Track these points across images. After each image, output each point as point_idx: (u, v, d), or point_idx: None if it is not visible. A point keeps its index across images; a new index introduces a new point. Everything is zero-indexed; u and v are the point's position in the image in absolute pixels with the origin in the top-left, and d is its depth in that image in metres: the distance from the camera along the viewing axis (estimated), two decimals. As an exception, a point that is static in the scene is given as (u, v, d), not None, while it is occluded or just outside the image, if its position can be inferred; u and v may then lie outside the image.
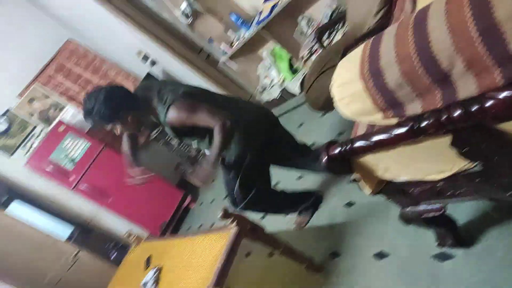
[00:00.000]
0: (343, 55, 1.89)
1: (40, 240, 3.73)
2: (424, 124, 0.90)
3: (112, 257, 4.91)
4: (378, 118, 1.02)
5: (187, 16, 3.53)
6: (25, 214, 3.91)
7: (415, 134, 0.93)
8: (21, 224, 3.66)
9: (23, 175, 4.16)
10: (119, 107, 1.81)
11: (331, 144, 1.16)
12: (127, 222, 4.37)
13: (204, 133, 1.91)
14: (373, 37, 1.04)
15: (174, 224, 4.10)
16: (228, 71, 3.91)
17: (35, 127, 4.34)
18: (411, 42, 0.86)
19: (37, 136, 4.17)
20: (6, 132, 4.19)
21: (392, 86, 0.93)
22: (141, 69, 5.09)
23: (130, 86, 4.94)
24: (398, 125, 0.96)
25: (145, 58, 4.89)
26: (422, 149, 1.02)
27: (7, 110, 4.26)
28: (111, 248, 5.39)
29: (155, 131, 4.55)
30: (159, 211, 4.22)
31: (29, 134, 4.28)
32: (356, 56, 1.06)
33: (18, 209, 4.32)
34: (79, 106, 4.60)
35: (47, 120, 4.37)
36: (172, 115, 1.80)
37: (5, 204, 3.92)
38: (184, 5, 3.46)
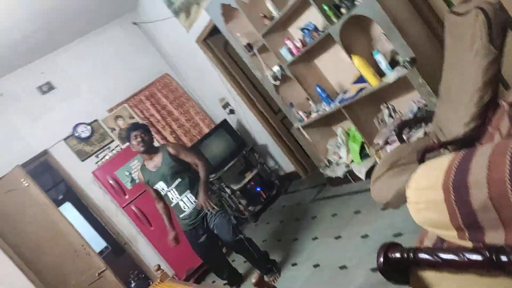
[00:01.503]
0: (422, 156, 1.81)
1: (76, 247, 3.82)
2: (504, 259, 0.79)
3: (131, 286, 4.89)
4: (451, 235, 0.92)
5: (276, 78, 3.70)
6: (72, 217, 4.09)
7: (492, 267, 0.82)
8: (65, 224, 3.79)
9: (86, 180, 4.43)
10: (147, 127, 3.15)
11: (392, 245, 1.06)
12: (158, 256, 4.38)
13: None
14: (464, 150, 0.97)
15: (200, 273, 4.00)
16: (299, 137, 3.95)
17: (112, 141, 4.68)
18: (507, 169, 0.79)
19: (111, 150, 4.48)
20: (87, 139, 4.57)
21: (475, 207, 0.84)
22: (219, 115, 5.36)
23: (205, 128, 5.21)
24: (474, 250, 0.85)
25: (226, 105, 5.16)
26: (496, 285, 0.89)
27: (95, 120, 4.68)
28: (134, 277, 5.38)
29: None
30: (190, 256, 4.16)
31: (105, 146, 4.62)
32: (442, 163, 0.99)
33: (68, 211, 4.59)
34: (154, 133, 4.92)
35: (123, 139, 4.70)
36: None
37: (59, 203, 4.16)
38: (276, 68, 3.63)
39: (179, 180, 2.97)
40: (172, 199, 3.02)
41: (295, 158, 4.94)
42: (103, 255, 3.95)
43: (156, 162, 3.00)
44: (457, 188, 0.89)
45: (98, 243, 6.20)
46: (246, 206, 4.81)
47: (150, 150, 3.00)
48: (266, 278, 2.97)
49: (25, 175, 3.74)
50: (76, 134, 4.52)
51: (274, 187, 5.00)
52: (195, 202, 2.97)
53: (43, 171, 5.29)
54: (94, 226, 6.59)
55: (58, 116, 4.50)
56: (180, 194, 2.98)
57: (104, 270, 3.82)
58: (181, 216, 3.05)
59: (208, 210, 2.94)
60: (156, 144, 3.33)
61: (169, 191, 3.00)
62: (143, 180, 3.08)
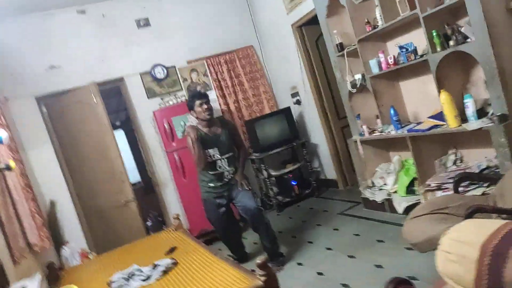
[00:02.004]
0: (471, 213, 1.70)
1: (115, 172, 4.07)
2: None
3: (147, 223, 5.16)
4: (470, 294, 0.87)
5: (354, 86, 3.61)
6: (121, 144, 4.34)
7: None
8: (114, 149, 4.04)
9: (145, 117, 4.68)
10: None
11: (404, 282, 1.03)
12: (180, 207, 4.56)
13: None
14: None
15: (210, 237, 4.11)
16: (353, 149, 3.85)
17: (180, 90, 4.88)
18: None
19: (176, 98, 4.67)
20: (160, 80, 4.81)
21: (507, 279, 0.79)
22: (285, 101, 5.36)
23: (266, 109, 5.24)
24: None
25: (295, 95, 5.15)
26: None
27: (173, 66, 4.89)
28: (152, 217, 5.68)
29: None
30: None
31: (172, 92, 4.83)
32: (490, 225, 0.94)
33: (119, 137, 4.88)
34: (219, 97, 5.05)
35: (190, 92, 4.87)
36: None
37: (115, 128, 4.44)
38: (358, 76, 3.54)
39: (231, 153, 3.24)
40: (220, 167, 3.20)
41: (340, 167, 4.84)
42: (134, 188, 4.16)
43: (214, 130, 3.20)
44: (496, 254, 0.84)
45: (134, 175, 6.58)
46: (275, 194, 4.82)
47: (211, 120, 3.20)
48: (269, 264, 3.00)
49: (97, 93, 4.02)
50: (153, 73, 4.76)
51: (309, 187, 4.96)
52: (231, 174, 3.23)
53: (112, 95, 5.65)
54: (136, 159, 7.01)
55: (143, 51, 4.75)
56: (229, 166, 3.22)
57: (130, 201, 4.05)
58: (218, 184, 3.21)
59: (242, 186, 3.21)
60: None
61: (220, 160, 3.19)
62: (196, 136, 3.05)
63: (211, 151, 3.16)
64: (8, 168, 1.78)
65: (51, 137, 4.32)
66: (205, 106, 3.12)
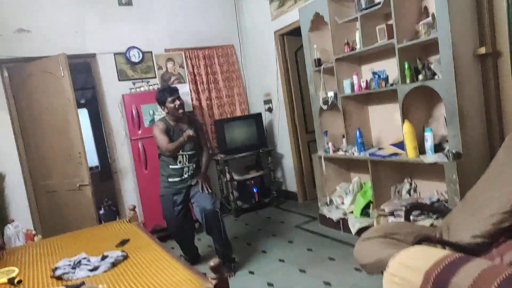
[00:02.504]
0: (419, 242, 1.80)
1: (73, 152, 3.90)
2: None
3: (100, 211, 5.00)
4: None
5: (326, 102, 3.70)
6: (83, 124, 4.15)
7: None
8: (75, 127, 3.87)
9: (113, 99, 4.54)
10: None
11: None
12: (137, 199, 4.46)
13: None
14: (462, 254, 0.98)
15: (163, 235, 4.04)
16: (316, 165, 3.95)
17: (153, 78, 4.78)
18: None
19: (148, 85, 4.57)
20: (134, 64, 4.69)
21: (447, 309, 0.85)
22: (257, 107, 5.40)
23: (238, 111, 5.26)
24: None
25: (267, 102, 5.20)
26: None
27: (150, 52, 4.78)
28: (106, 205, 5.52)
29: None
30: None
31: (145, 78, 4.72)
32: (435, 254, 1.01)
33: (82, 116, 4.69)
34: (192, 91, 5.00)
35: (164, 81, 4.79)
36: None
37: (79, 106, 4.24)
38: (331, 94, 3.64)
39: (194, 151, 3.24)
40: (180, 162, 3.20)
41: (302, 181, 4.95)
42: (91, 172, 4.01)
43: (181, 125, 3.21)
44: (438, 282, 0.90)
45: (92, 159, 6.35)
46: (235, 199, 4.84)
47: (184, 116, 3.22)
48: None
49: (66, 66, 3.83)
50: (128, 55, 4.63)
51: (269, 196, 5.02)
52: (191, 172, 3.23)
53: (81, 70, 5.44)
54: (96, 142, 6.78)
55: (121, 31, 4.61)
56: (189, 162, 3.22)
57: (85, 185, 3.90)
58: (177, 179, 3.21)
59: (202, 188, 3.17)
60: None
61: (182, 155, 3.19)
62: (164, 128, 3.15)
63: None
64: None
65: (9, 104, 4.09)
66: (177, 102, 3.12)
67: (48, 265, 2.17)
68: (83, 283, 1.64)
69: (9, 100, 4.10)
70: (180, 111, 3.14)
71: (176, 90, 3.19)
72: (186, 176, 3.22)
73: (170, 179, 3.22)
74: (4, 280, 1.98)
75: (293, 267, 3.09)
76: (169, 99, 3.12)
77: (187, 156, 3.21)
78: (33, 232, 3.74)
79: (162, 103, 3.17)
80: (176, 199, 3.22)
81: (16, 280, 1.95)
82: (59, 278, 1.96)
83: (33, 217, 4.15)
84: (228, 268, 3.12)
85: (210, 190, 3.20)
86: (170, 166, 3.21)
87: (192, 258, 3.45)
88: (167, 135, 3.14)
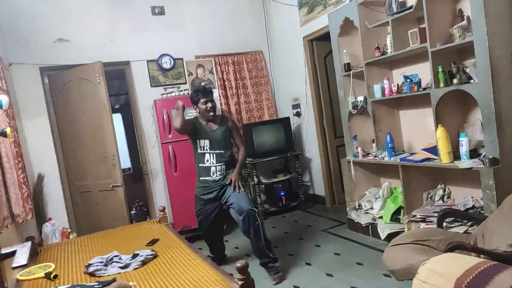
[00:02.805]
0: (451, 249, 1.74)
1: (107, 155, 4.05)
2: None
3: (131, 212, 5.15)
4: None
5: (355, 107, 3.66)
6: (117, 128, 4.30)
7: None
8: (109, 131, 4.02)
9: (145, 104, 4.69)
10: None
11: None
12: (167, 200, 4.56)
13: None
14: (496, 263, 0.95)
15: (191, 235, 4.11)
16: (345, 169, 3.90)
17: (184, 83, 4.90)
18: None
19: (179, 90, 4.68)
20: (165, 70, 4.83)
21: (479, 315, 0.82)
22: (285, 111, 5.41)
23: (266, 116, 5.28)
24: None
25: (296, 106, 5.20)
26: None
27: (181, 58, 4.92)
28: (137, 205, 5.68)
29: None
30: (193, 216, 4.30)
31: (176, 84, 4.85)
32: (467, 262, 0.98)
33: (116, 121, 4.85)
34: (221, 96, 5.07)
35: (194, 87, 4.89)
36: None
37: (113, 111, 4.40)
38: (360, 98, 3.60)
39: (222, 151, 3.19)
40: (207, 161, 3.19)
41: (330, 185, 4.90)
42: (123, 174, 4.14)
43: (211, 125, 3.21)
44: (470, 290, 0.87)
45: (124, 161, 6.55)
46: (262, 202, 4.85)
47: (215, 117, 3.21)
48: (270, 275, 3.01)
49: (102, 73, 4.01)
50: (160, 62, 4.78)
51: (297, 199, 4.99)
52: (223, 173, 3.17)
53: (116, 77, 5.65)
54: (129, 146, 6.99)
55: (153, 39, 4.77)
56: (217, 162, 3.18)
57: (118, 186, 4.04)
58: (207, 178, 3.21)
59: (234, 187, 3.11)
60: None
61: (209, 153, 3.18)
62: (190, 120, 3.20)
63: (202, 141, 3.19)
64: (4, 134, 1.78)
65: (48, 110, 4.31)
66: (209, 105, 3.14)
67: (82, 262, 2.25)
68: (114, 280, 1.69)
69: (48, 105, 4.32)
70: (211, 113, 3.15)
71: (210, 92, 3.22)
72: (215, 176, 3.18)
73: (201, 178, 3.24)
74: (41, 274, 2.08)
75: (320, 271, 3.06)
76: (202, 100, 3.14)
77: (214, 155, 3.18)
78: (69, 230, 3.90)
79: (195, 103, 3.20)
80: (207, 198, 3.22)
81: (52, 275, 2.04)
82: (92, 274, 2.03)
83: (68, 216, 4.33)
84: (274, 269, 3.02)
85: (243, 189, 3.13)
86: (200, 164, 3.23)
87: (218, 258, 3.48)
88: (189, 124, 3.16)
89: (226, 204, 3.21)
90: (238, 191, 3.11)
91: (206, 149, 3.18)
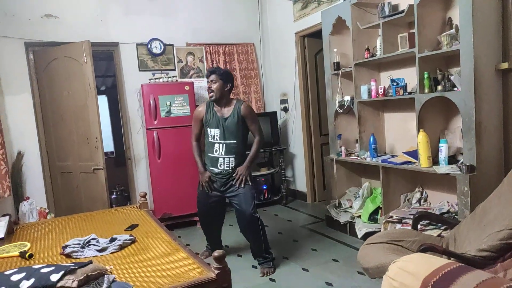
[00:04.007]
0: (423, 250, 1.80)
1: (90, 137, 3.98)
2: None
3: (111, 196, 5.11)
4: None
5: (342, 106, 3.71)
6: (102, 109, 4.23)
7: None
8: (94, 113, 3.95)
9: (132, 88, 4.63)
10: (230, 77, 3.02)
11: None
12: (148, 186, 4.54)
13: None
14: (462, 265, 0.99)
15: (173, 223, 4.12)
16: (328, 167, 3.96)
17: (173, 70, 4.85)
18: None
19: (167, 76, 4.64)
20: (155, 55, 4.77)
21: (442, 314, 0.86)
22: (272, 106, 5.43)
23: (254, 108, 5.29)
24: None
25: (284, 101, 5.22)
26: None
27: (171, 44, 4.86)
28: (118, 190, 5.64)
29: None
30: (175, 204, 4.31)
31: (165, 70, 4.80)
32: (436, 262, 1.02)
33: (101, 103, 4.78)
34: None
35: (183, 74, 4.86)
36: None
37: (99, 92, 4.32)
38: (347, 98, 3.65)
39: (234, 141, 2.96)
40: (216, 151, 2.98)
41: (312, 182, 4.97)
42: (105, 157, 4.10)
43: (223, 112, 2.99)
44: (436, 290, 0.91)
45: (107, 145, 6.48)
46: (245, 195, 4.87)
47: (219, 100, 2.98)
48: (260, 268, 3.04)
49: (89, 52, 3.92)
50: (149, 46, 4.71)
51: (278, 194, 5.05)
52: (231, 166, 2.97)
53: (103, 58, 5.55)
54: (113, 129, 6.90)
55: (145, 22, 4.69)
56: (226, 154, 2.97)
57: (100, 169, 3.99)
58: (211, 168, 3.03)
59: (241, 181, 2.95)
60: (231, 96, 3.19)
61: (219, 143, 2.97)
62: (200, 116, 3.05)
63: (212, 131, 2.99)
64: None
65: (32, 86, 4.21)
66: (209, 85, 2.96)
67: (59, 243, 2.24)
68: (91, 262, 1.69)
69: (32, 82, 4.22)
70: (210, 94, 2.96)
71: (212, 72, 2.97)
72: (222, 168, 2.98)
73: (211, 168, 3.05)
74: (16, 253, 2.06)
75: (296, 265, 3.12)
76: (208, 79, 3.00)
77: (223, 145, 2.95)
78: (46, 210, 3.85)
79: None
80: (213, 189, 3.05)
81: (27, 254, 2.02)
82: (68, 256, 2.02)
83: (47, 196, 4.26)
84: (267, 264, 3.04)
85: (249, 184, 2.96)
86: (208, 154, 3.05)
87: (214, 249, 3.32)
88: (199, 123, 3.07)
89: (229, 199, 3.09)
90: (243, 186, 2.95)
91: (216, 139, 2.98)
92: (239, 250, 3.51)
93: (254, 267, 3.16)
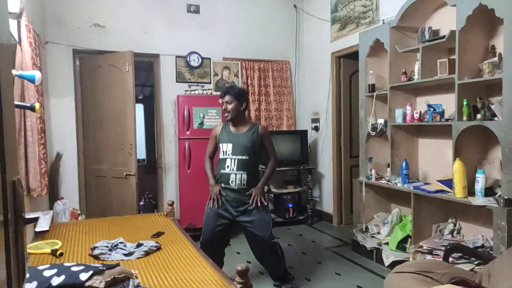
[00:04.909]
0: (454, 283, 1.72)
1: (125, 143, 4.12)
2: None
3: (140, 202, 5.22)
4: None
5: (374, 129, 3.66)
6: (138, 117, 4.37)
7: None
8: (131, 120, 4.10)
9: (168, 98, 4.78)
10: (244, 96, 2.97)
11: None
12: (176, 196, 4.62)
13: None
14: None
15: (197, 234, 4.11)
16: (356, 190, 3.89)
17: (208, 83, 4.97)
18: None
19: (203, 89, 4.75)
20: (192, 68, 4.92)
21: None
22: (303, 124, 5.42)
23: (284, 126, 5.30)
24: None
25: (315, 121, 5.21)
26: None
27: (209, 58, 5.00)
28: (146, 197, 5.75)
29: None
30: (201, 216, 4.31)
31: (200, 82, 4.92)
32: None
33: (138, 110, 4.96)
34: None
35: (217, 88, 4.97)
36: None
37: (136, 101, 4.48)
38: (381, 121, 3.60)
39: (246, 157, 2.84)
40: (227, 167, 2.86)
41: (339, 204, 4.88)
42: (138, 164, 4.21)
43: (239, 129, 2.92)
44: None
45: (140, 152, 6.66)
46: (270, 211, 4.83)
47: (234, 120, 2.91)
48: (283, 287, 3.01)
49: (131, 62, 4.10)
50: (188, 59, 4.87)
51: (304, 213, 4.98)
52: (243, 183, 2.84)
53: (143, 68, 5.77)
54: (147, 138, 7.10)
55: (185, 36, 4.86)
56: (237, 169, 2.84)
57: (132, 175, 4.11)
58: (223, 186, 2.89)
59: (255, 201, 2.82)
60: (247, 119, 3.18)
61: (230, 158, 2.86)
62: (215, 134, 3.01)
63: (225, 145, 2.89)
64: (33, 109, 1.83)
65: (75, 91, 4.44)
66: (224, 107, 2.90)
67: (88, 244, 2.31)
68: (118, 265, 1.73)
69: (76, 87, 4.45)
70: (225, 115, 2.91)
71: (226, 92, 2.90)
72: (233, 185, 2.83)
73: (222, 185, 2.90)
74: (48, 250, 2.14)
75: (319, 288, 3.05)
76: (221, 100, 2.98)
77: (235, 161, 2.83)
78: (78, 211, 3.98)
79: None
80: (219, 212, 2.88)
81: (58, 252, 2.10)
82: (96, 257, 2.08)
83: (80, 197, 4.43)
84: (290, 285, 3.01)
85: (265, 206, 2.87)
86: (220, 171, 2.90)
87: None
88: (214, 139, 3.01)
89: (242, 224, 2.92)
90: (259, 205, 2.82)
91: (228, 154, 2.86)
92: (261, 267, 3.46)
93: (275, 286, 3.11)
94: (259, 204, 2.82)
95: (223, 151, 2.92)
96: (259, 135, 2.90)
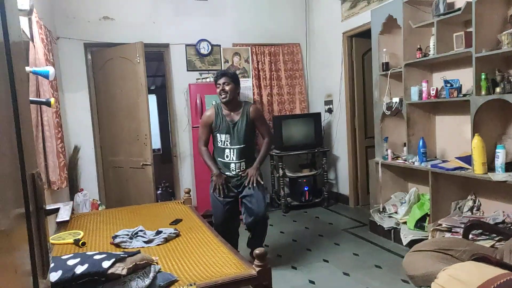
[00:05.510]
0: (475, 260, 1.70)
1: (140, 133, 4.17)
2: None
3: (157, 191, 5.30)
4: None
5: (389, 108, 3.59)
6: (152, 107, 4.40)
7: None
8: (144, 111, 4.13)
9: (180, 87, 4.79)
10: (238, 80, 3.02)
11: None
12: (193, 183, 4.67)
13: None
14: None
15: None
16: (372, 170, 3.85)
17: (218, 70, 4.95)
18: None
19: (213, 77, 4.72)
20: (202, 56, 4.90)
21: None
22: (317, 107, 5.37)
23: (297, 109, 5.26)
24: None
25: (328, 103, 5.15)
26: None
27: (218, 45, 4.97)
28: (163, 186, 5.84)
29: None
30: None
31: (211, 70, 4.91)
32: (490, 271, 0.96)
33: (150, 102, 4.99)
34: (254, 86, 5.09)
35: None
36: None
37: (149, 91, 4.51)
38: (396, 100, 3.53)
39: (243, 145, 2.95)
40: (227, 157, 2.97)
41: (355, 185, 4.86)
42: (153, 153, 4.26)
43: (233, 115, 2.97)
44: (491, 302, 0.86)
45: (155, 142, 6.72)
46: (286, 195, 4.87)
47: (230, 102, 2.94)
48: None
49: (142, 53, 4.11)
50: (198, 47, 4.85)
51: (320, 196, 4.98)
52: (242, 169, 2.98)
53: (154, 59, 5.77)
54: (161, 127, 7.17)
55: (194, 24, 4.83)
56: (237, 159, 2.96)
57: (148, 164, 4.16)
58: (227, 173, 3.01)
59: (251, 182, 2.95)
60: (241, 99, 3.20)
61: (229, 149, 2.96)
62: (210, 121, 2.99)
63: (223, 136, 2.96)
64: (48, 104, 1.86)
65: (89, 84, 4.49)
66: (220, 88, 2.90)
67: (109, 233, 2.37)
68: (139, 252, 1.77)
69: (89, 80, 4.50)
70: (222, 96, 2.91)
71: (223, 74, 2.93)
72: (234, 172, 2.99)
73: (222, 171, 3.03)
74: (71, 240, 2.20)
75: (337, 269, 3.07)
76: (216, 83, 2.96)
77: (234, 150, 2.95)
78: (98, 202, 4.08)
79: (215, 84, 3.01)
80: (226, 193, 3.00)
81: (80, 242, 2.15)
82: (117, 245, 2.13)
83: (99, 188, 4.53)
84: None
85: (261, 184, 2.98)
86: (218, 159, 3.02)
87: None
88: (208, 128, 3.01)
89: (241, 199, 3.07)
90: (254, 185, 2.95)
91: (227, 144, 2.96)
92: (279, 250, 3.51)
93: (293, 268, 3.15)
94: (255, 185, 2.96)
95: (220, 141, 3.01)
96: (251, 120, 2.98)
